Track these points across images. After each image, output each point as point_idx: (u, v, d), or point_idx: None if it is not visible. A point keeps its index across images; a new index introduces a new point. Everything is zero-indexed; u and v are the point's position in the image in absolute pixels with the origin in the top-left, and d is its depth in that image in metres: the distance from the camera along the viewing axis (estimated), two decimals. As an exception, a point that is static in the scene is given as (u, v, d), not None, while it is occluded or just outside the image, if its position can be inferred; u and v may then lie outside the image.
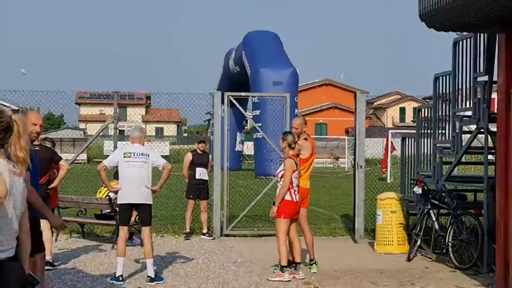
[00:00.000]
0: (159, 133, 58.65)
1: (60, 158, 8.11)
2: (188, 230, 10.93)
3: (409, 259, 9.51)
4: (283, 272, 7.78)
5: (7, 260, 2.80)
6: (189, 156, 11.08)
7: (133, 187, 7.53)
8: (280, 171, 8.08)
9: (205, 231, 10.98)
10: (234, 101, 11.24)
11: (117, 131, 12.48)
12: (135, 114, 57.56)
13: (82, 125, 56.49)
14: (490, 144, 9.13)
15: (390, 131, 28.19)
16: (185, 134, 60.50)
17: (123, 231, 7.60)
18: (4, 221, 2.77)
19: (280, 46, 29.15)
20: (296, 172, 7.91)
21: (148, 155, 7.77)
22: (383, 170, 25.69)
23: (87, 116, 59.68)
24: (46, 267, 7.16)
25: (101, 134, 13.82)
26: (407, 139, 12.35)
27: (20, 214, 2.98)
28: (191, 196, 11.05)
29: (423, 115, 11.73)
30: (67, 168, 8.02)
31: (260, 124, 15.67)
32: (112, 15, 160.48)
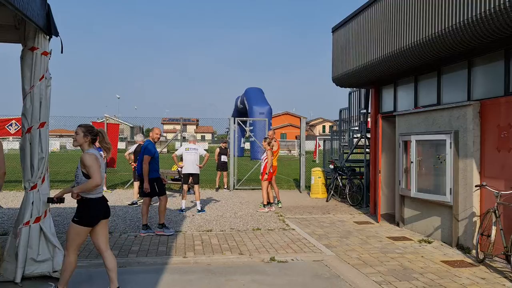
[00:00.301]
0: (203, 138, 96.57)
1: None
2: (217, 186, 17.05)
3: (327, 201, 14.16)
4: (264, 207, 12.28)
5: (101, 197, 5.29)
6: (217, 150, 17.12)
7: (190, 165, 11.81)
8: (264, 157, 12.41)
9: (226, 187, 17.16)
10: (240, 122, 17.54)
11: (182, 137, 19.69)
12: (190, 129, 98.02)
13: (164, 134, 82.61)
14: (367, 143, 13.52)
15: (317, 137, 42.33)
16: (216, 139, 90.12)
17: (186, 187, 11.96)
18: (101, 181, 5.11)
19: (263, 94, 45.81)
20: (271, 157, 12.23)
21: (197, 149, 11.99)
22: (314, 156, 39.98)
23: (167, 129, 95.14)
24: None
25: (174, 139, 21.92)
26: (326, 141, 17.55)
27: (103, 177, 5.27)
28: (218, 169, 17.12)
29: (334, 129, 16.96)
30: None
31: (252, 133, 23.45)
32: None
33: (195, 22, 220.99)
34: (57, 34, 6.50)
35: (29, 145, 6.29)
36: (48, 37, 6.46)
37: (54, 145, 59.67)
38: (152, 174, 9.26)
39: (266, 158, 12.33)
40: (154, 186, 9.30)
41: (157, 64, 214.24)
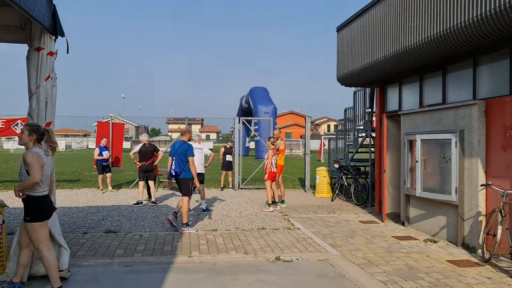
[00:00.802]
0: (208, 138, 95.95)
1: (158, 150, 13.11)
2: (222, 185, 17.07)
3: (332, 200, 14.08)
4: (269, 206, 12.19)
5: (47, 195, 5.40)
6: (222, 149, 17.05)
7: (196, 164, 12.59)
8: (266, 156, 12.51)
9: (231, 186, 17.11)
10: (245, 121, 17.40)
11: None
12: (196, 128, 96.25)
13: (169, 133, 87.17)
14: (372, 142, 13.41)
15: (322, 136, 43.28)
16: (221, 138, 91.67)
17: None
18: (44, 179, 5.28)
19: (267, 94, 47.35)
20: (274, 156, 12.19)
21: (202, 148, 12.19)
22: (319, 155, 39.90)
23: (172, 129, 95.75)
24: (152, 204, 12.64)
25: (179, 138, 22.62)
26: (331, 141, 17.56)
27: (49, 175, 5.46)
28: (223, 169, 17.09)
29: (339, 128, 16.86)
30: (161, 155, 13.13)
31: (257, 133, 23.38)
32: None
33: (200, 21, 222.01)
34: (63, 35, 6.53)
35: (35, 145, 6.28)
36: (54, 37, 6.49)
37: (60, 144, 59.82)
38: (189, 174, 9.49)
39: (267, 158, 12.30)
40: (190, 185, 9.58)
41: (162, 63, 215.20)
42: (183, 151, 9.45)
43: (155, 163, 13.14)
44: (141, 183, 13.04)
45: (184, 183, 9.60)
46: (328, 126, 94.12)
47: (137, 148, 13.00)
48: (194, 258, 7.41)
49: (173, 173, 9.55)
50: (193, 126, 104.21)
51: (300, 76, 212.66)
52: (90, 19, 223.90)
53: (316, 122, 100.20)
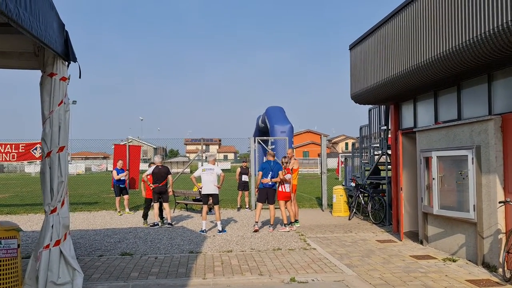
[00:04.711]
0: (225, 158, 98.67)
1: (170, 173, 13.17)
2: (239, 206, 17.05)
3: (349, 219, 13.93)
4: (285, 226, 12.12)
5: None
6: (238, 170, 17.09)
7: (208, 185, 11.89)
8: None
9: (247, 206, 16.93)
10: (260, 141, 17.87)
11: (204, 158, 19.86)
12: (213, 148, 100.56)
13: (187, 154, 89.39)
14: (389, 160, 13.33)
15: (340, 154, 42.66)
16: (238, 158, 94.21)
17: (206, 207, 11.91)
18: None
19: (284, 113, 48.56)
20: (288, 175, 12.11)
21: (213, 169, 11.98)
22: (337, 174, 39.80)
23: (190, 150, 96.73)
24: (168, 226, 12.63)
25: (195, 159, 22.03)
26: (347, 159, 17.64)
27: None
28: (240, 189, 17.02)
29: (356, 147, 16.82)
30: (171, 179, 13.26)
31: (274, 152, 23.43)
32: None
33: (214, 42, 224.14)
34: (75, 60, 6.64)
35: (49, 169, 6.38)
36: (66, 63, 6.60)
37: (80, 167, 60.52)
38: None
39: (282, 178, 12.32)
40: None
41: (179, 85, 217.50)
42: (280, 168, 12.18)
43: (169, 189, 13.13)
44: (156, 205, 13.09)
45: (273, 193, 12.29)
46: (346, 144, 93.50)
47: (150, 170, 13.05)
48: (208, 280, 7.35)
49: (271, 184, 12.15)
50: (210, 146, 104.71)
51: (318, 94, 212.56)
52: (107, 39, 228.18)
53: (334, 140, 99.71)
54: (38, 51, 6.58)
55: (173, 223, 13.25)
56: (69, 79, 6.61)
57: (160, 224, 13.04)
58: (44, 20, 5.58)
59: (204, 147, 19.42)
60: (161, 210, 13.49)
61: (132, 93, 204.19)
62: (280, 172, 12.12)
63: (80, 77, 6.85)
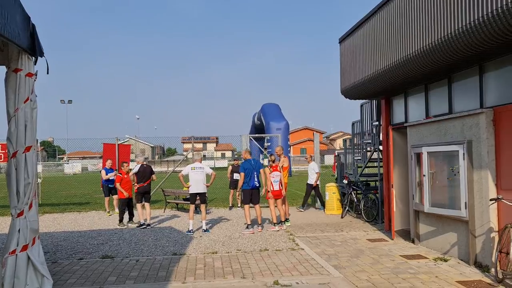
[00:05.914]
0: (223, 156, 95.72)
1: (153, 172, 12.90)
2: (230, 205, 16.61)
3: (342, 217, 13.65)
4: (274, 226, 11.85)
5: None
6: (230, 168, 16.75)
7: (197, 184, 11.62)
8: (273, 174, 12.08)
9: (239, 205, 16.44)
10: (252, 139, 17.05)
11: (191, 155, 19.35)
12: (210, 146, 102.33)
13: (184, 153, 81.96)
14: (381, 156, 13.00)
15: (336, 151, 42.59)
16: (236, 156, 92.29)
17: (193, 207, 11.65)
18: None
19: (279, 110, 49.85)
20: (274, 173, 11.90)
21: (203, 168, 11.74)
22: (333, 170, 37.42)
23: (187, 148, 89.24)
24: (144, 227, 12.14)
25: (189, 157, 21.41)
26: (341, 155, 17.33)
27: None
28: (231, 187, 16.68)
29: (347, 143, 16.72)
30: (155, 178, 12.90)
31: (270, 149, 23.00)
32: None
33: (210, 41, 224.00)
34: (42, 55, 6.30)
35: (15, 170, 6.07)
36: (33, 58, 6.26)
37: (76, 167, 60.13)
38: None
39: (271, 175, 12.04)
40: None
41: (175, 83, 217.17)
42: (261, 167, 11.88)
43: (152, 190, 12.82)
44: (139, 205, 12.73)
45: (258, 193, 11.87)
46: (344, 140, 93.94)
47: (136, 168, 12.71)
48: (188, 284, 7.04)
49: (257, 185, 11.78)
50: (208, 144, 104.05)
51: (315, 90, 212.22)
52: (104, 38, 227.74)
53: (332, 136, 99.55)
54: (3, 46, 6.24)
55: (151, 224, 12.89)
56: (36, 75, 6.27)
57: (146, 223, 12.64)
58: (5, 12, 5.25)
59: (195, 145, 18.99)
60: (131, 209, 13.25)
61: (128, 92, 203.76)
62: (261, 171, 11.86)
63: (48, 73, 6.50)
